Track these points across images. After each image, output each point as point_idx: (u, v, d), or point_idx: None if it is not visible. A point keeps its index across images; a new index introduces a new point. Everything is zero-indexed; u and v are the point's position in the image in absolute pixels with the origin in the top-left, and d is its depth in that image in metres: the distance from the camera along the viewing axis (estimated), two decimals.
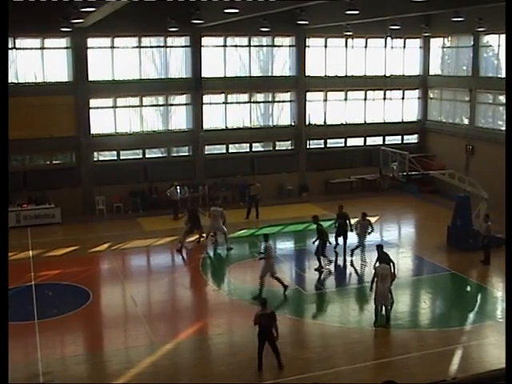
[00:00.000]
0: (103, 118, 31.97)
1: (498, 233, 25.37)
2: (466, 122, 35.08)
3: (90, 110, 31.49)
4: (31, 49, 30.21)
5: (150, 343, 17.51)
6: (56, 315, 19.26)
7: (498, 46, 32.52)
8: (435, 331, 18.45)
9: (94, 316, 19.76)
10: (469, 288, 22.41)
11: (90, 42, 30.91)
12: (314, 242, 23.56)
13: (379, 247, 20.15)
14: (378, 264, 18.82)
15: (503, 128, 32.33)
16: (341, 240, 25.00)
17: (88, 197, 31.58)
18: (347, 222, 24.80)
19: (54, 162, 31.64)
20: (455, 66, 36.23)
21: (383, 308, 18.42)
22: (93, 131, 31.61)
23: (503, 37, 31.89)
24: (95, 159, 32.06)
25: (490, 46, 33.38)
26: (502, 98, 32.61)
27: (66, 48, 30.74)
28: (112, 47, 31.52)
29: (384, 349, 17.18)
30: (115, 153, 32.41)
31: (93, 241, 27.05)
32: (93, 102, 31.52)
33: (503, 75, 32.32)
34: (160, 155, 33.51)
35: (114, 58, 31.67)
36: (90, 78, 31.15)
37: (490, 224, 23.99)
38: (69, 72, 31.05)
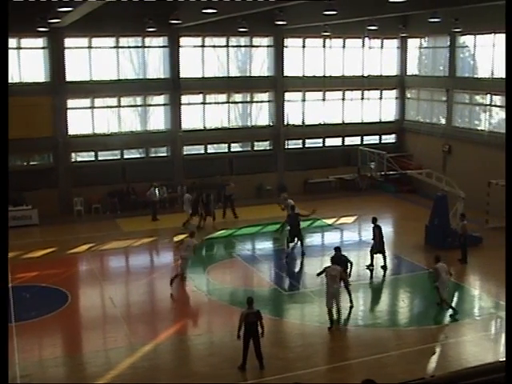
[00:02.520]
0: (81, 119, 31.79)
1: (475, 231, 25.66)
2: (443, 121, 35.36)
3: (68, 111, 31.30)
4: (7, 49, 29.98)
5: (130, 344, 17.44)
6: (34, 317, 19.11)
7: (474, 46, 32.81)
8: (413, 330, 18.61)
9: (73, 318, 19.65)
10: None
11: (68, 42, 30.70)
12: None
13: (337, 249, 20.31)
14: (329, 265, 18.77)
15: (479, 128, 32.69)
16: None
17: (66, 198, 31.37)
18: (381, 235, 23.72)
19: (32, 163, 31.40)
20: (432, 66, 36.50)
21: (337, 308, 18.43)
22: (70, 132, 31.42)
23: (479, 37, 32.21)
24: (73, 160, 31.87)
25: (466, 46, 33.66)
26: (479, 98, 32.95)
27: (43, 48, 30.52)
28: (89, 47, 31.33)
29: (363, 348, 17.23)
30: (93, 153, 32.22)
31: (71, 242, 26.89)
32: (70, 103, 31.33)
33: (479, 75, 32.67)
34: (138, 156, 33.37)
35: (92, 58, 31.50)
36: (68, 79, 30.95)
37: (466, 223, 24.18)
38: (46, 72, 30.83)
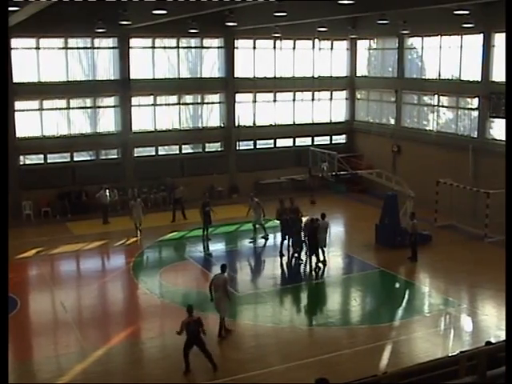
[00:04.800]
0: (29, 121, 31.21)
1: (424, 230, 26.10)
2: (392, 122, 35.85)
3: (16, 113, 30.66)
4: None
5: (81, 350, 17.21)
6: None
7: (422, 48, 33.39)
8: (366, 328, 18.80)
9: (22, 324, 19.23)
10: (397, 284, 22.93)
11: (15, 42, 30.04)
12: None
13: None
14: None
15: (427, 128, 33.28)
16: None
17: (14, 202, 30.59)
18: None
19: None
20: (381, 67, 36.97)
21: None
22: (19, 134, 30.79)
23: (426, 39, 32.81)
24: (21, 163, 31.27)
25: (414, 48, 34.21)
26: (427, 99, 33.53)
27: None
28: (37, 48, 30.84)
29: (316, 347, 17.36)
30: (42, 156, 31.70)
31: (20, 247, 26.25)
32: (18, 105, 30.69)
33: (427, 76, 33.26)
34: (88, 158, 32.93)
35: (40, 59, 30.99)
36: (15, 80, 30.29)
37: (416, 221, 24.53)
38: None
